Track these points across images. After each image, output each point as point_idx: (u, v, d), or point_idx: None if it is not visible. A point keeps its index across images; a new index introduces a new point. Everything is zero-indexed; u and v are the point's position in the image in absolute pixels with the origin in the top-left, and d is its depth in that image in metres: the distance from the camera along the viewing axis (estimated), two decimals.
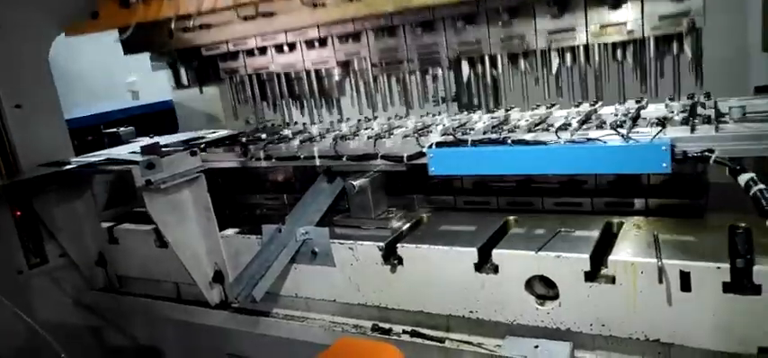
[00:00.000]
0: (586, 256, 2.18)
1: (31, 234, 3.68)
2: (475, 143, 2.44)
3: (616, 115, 2.56)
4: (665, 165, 2.04)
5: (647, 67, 2.49)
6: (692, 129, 2.15)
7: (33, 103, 3.58)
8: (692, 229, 2.29)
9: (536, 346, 2.33)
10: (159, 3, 2.84)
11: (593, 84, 2.62)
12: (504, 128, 2.65)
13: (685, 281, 2.02)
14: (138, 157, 3.04)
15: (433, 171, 2.47)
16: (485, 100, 2.96)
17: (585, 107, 2.79)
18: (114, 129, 4.62)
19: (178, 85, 3.96)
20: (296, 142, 3.04)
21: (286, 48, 3.27)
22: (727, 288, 1.96)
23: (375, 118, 3.28)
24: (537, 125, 2.59)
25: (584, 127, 2.44)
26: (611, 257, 2.17)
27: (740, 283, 1.95)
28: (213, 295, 3.25)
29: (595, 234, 2.38)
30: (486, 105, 3.00)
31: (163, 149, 3.19)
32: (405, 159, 2.63)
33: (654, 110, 2.59)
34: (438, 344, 2.57)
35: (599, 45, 2.53)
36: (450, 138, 2.56)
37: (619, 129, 2.23)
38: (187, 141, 3.62)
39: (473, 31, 2.77)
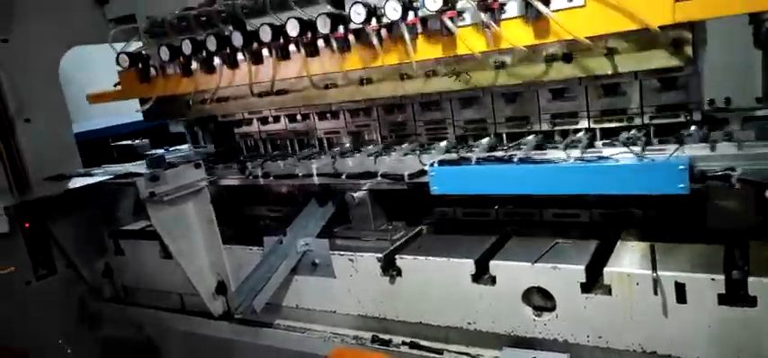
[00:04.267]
0: (582, 268, 2.19)
1: (39, 245, 3.73)
2: (480, 161, 2.38)
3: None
4: (682, 185, 1.91)
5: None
6: (713, 147, 2.07)
7: (43, 117, 3.65)
8: (690, 242, 2.28)
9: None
10: (178, 78, 2.94)
11: None
12: (508, 146, 2.61)
13: (681, 292, 2.02)
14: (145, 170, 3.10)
15: (436, 190, 2.40)
16: None
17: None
18: (127, 142, 4.67)
19: (195, 145, 4.14)
20: (293, 159, 3.08)
21: (299, 117, 3.41)
22: (722, 300, 1.96)
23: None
24: (542, 144, 2.55)
25: (594, 145, 2.40)
26: (607, 269, 2.18)
27: (736, 295, 1.94)
28: (216, 306, 3.28)
29: (592, 246, 2.39)
30: None
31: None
32: (406, 178, 2.60)
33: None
34: (437, 355, 2.57)
35: (600, 130, 2.55)
36: (454, 156, 2.52)
37: (632, 147, 2.14)
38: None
39: (479, 111, 2.83)
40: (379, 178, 2.73)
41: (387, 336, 2.75)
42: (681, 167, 1.92)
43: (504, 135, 2.77)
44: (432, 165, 2.43)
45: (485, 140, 2.75)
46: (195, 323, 3.44)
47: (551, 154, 2.33)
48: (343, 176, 2.84)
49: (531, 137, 2.68)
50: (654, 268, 2.07)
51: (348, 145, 3.28)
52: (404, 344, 2.67)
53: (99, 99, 3.49)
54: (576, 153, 2.25)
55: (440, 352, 2.57)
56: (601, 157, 2.16)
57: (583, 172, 2.12)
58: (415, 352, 2.62)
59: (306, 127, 3.43)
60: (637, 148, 2.13)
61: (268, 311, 3.00)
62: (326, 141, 3.40)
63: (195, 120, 3.96)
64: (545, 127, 2.65)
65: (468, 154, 2.49)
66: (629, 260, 2.23)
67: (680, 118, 2.37)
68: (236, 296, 2.99)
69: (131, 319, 3.85)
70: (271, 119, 3.53)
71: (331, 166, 2.89)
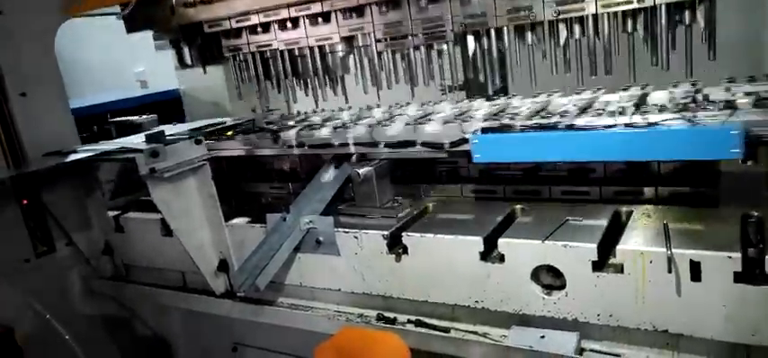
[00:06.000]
0: (594, 246, 2.14)
1: (37, 222, 3.68)
2: (524, 128, 2.35)
3: (619, 102, 2.52)
4: (736, 150, 1.90)
5: (658, 38, 2.36)
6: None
7: (39, 91, 3.56)
8: (704, 219, 2.25)
9: (542, 336, 2.29)
10: None
11: (602, 57, 2.49)
12: (551, 112, 2.53)
13: (695, 270, 1.97)
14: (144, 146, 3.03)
15: (478, 158, 2.36)
16: (491, 75, 2.81)
17: (588, 94, 2.74)
18: (125, 118, 4.60)
19: (181, 64, 3.81)
20: (328, 129, 3.00)
21: (289, 24, 3.19)
22: (738, 278, 1.91)
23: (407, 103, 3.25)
24: (585, 109, 2.50)
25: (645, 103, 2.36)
26: (619, 246, 2.13)
27: (752, 273, 1.90)
28: (218, 284, 3.23)
29: (604, 223, 2.34)
30: (493, 81, 2.86)
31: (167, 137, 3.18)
32: (446, 146, 2.53)
33: (658, 97, 2.56)
34: (443, 334, 2.53)
35: (608, 15, 2.41)
36: (495, 123, 2.47)
37: (684, 113, 2.13)
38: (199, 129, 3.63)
39: (479, 3, 2.66)
40: (419, 147, 2.65)
41: (392, 315, 2.71)
42: (735, 132, 1.90)
43: (506, 29, 2.63)
44: (474, 132, 2.39)
45: (523, 109, 2.64)
46: (197, 301, 3.39)
47: (598, 120, 2.29)
48: (381, 145, 2.76)
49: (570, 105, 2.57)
50: (668, 246, 2.02)
51: (341, 49, 3.14)
52: (409, 322, 2.64)
53: (75, 8, 3.30)
54: (624, 119, 2.22)
55: (446, 330, 2.54)
56: (650, 123, 2.12)
57: (631, 138, 2.10)
58: (421, 330, 2.58)
59: (296, 36, 3.20)
60: (688, 114, 2.11)
61: (271, 289, 2.96)
62: (318, 50, 3.20)
63: (181, 31, 3.63)
64: (550, 16, 2.49)
65: (512, 121, 2.43)
66: (642, 238, 2.18)
67: None
68: (239, 274, 2.95)
69: (132, 297, 3.82)
70: (259, 28, 3.29)
71: (369, 135, 2.83)
